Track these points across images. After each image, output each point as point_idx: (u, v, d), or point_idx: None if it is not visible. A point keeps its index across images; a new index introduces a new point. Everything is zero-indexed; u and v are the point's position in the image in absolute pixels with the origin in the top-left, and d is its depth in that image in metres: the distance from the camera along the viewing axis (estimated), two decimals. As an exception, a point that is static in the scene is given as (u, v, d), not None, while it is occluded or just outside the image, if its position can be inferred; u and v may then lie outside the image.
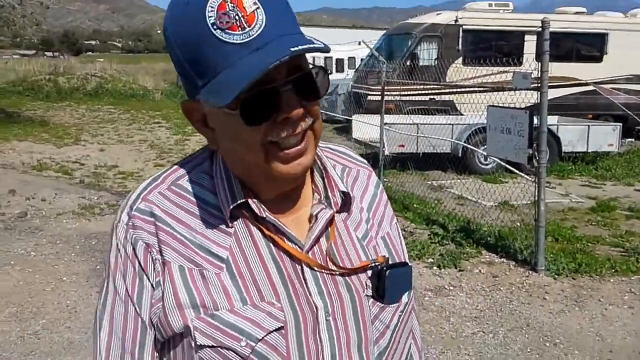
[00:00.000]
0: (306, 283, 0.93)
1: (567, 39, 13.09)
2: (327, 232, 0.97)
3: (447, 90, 11.90)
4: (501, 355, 3.99)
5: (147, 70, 33.37)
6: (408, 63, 12.35)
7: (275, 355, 0.89)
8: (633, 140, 13.24)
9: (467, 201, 7.90)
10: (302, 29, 0.88)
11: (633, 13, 14.77)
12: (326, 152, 1.07)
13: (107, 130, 15.29)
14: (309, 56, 0.88)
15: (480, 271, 5.42)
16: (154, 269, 0.91)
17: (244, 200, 0.92)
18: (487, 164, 9.94)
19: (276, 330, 0.89)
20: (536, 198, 5.41)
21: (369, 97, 11.43)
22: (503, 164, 7.73)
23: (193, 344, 0.89)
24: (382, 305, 0.98)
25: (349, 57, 20.88)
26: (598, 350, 4.06)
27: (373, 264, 0.98)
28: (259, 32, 0.82)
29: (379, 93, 8.48)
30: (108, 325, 0.93)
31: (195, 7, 0.82)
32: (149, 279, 0.92)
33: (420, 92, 11.00)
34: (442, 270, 5.42)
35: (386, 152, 8.48)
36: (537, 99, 5.30)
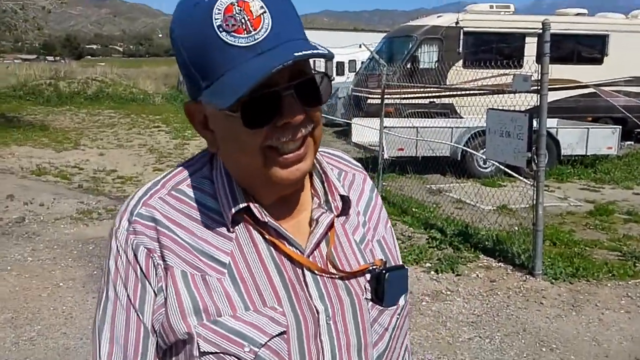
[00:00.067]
0: (307, 287, 0.93)
1: (567, 41, 13.06)
2: (327, 236, 0.97)
3: (447, 93, 11.88)
4: (497, 361, 3.98)
5: (148, 74, 33.53)
6: (408, 66, 12.31)
7: None
8: (632, 143, 13.20)
9: (465, 205, 7.88)
10: None
11: (634, 14, 14.65)
12: (324, 156, 1.07)
13: (107, 135, 15.31)
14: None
15: (477, 276, 5.40)
16: (156, 274, 0.91)
17: (245, 204, 0.92)
18: (486, 168, 9.92)
19: (279, 335, 0.89)
20: (534, 202, 5.39)
21: (369, 100, 11.42)
22: (502, 167, 7.71)
23: (196, 352, 0.88)
24: (381, 308, 0.99)
25: (350, 60, 20.80)
26: (594, 355, 4.04)
27: (372, 267, 0.99)
28: (264, 36, 0.82)
29: (379, 96, 8.48)
30: (109, 333, 0.92)
31: (202, 9, 0.83)
32: (151, 285, 0.91)
33: (420, 95, 11.00)
34: (440, 274, 5.41)
35: (385, 156, 8.48)
36: (537, 101, 5.29)
